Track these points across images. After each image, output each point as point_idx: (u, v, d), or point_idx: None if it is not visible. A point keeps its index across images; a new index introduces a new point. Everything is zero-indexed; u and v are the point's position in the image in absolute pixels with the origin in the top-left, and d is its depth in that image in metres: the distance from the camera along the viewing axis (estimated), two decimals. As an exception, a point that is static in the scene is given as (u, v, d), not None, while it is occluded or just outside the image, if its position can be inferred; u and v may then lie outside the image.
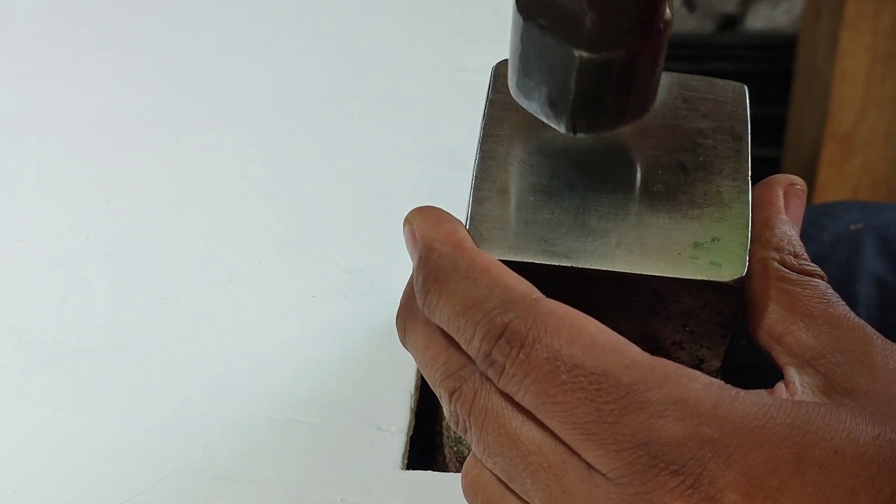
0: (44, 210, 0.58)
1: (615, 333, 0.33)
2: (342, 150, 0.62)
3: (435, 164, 0.60)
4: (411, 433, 0.48)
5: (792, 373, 0.36)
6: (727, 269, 0.35)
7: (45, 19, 0.70)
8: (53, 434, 0.47)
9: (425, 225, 0.36)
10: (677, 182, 0.38)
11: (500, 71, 0.41)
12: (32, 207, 0.58)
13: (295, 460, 0.46)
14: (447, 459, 0.49)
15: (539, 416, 0.33)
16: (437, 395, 0.36)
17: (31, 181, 0.60)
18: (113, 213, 0.58)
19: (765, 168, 1.42)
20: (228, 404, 0.48)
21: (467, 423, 0.35)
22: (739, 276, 0.35)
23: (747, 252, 0.36)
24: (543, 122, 0.36)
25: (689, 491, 0.31)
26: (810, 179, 1.31)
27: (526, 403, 0.33)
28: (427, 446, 0.51)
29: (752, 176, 0.38)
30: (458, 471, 0.47)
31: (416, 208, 0.37)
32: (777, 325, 0.36)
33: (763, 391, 0.34)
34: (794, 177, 0.39)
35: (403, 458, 0.47)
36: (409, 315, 0.37)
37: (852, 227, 0.62)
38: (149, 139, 0.62)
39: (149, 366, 0.50)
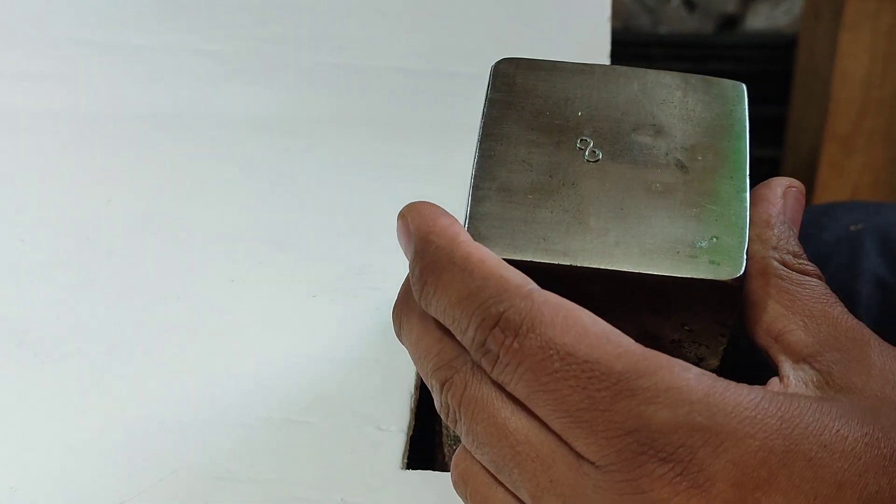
0: (44, 210, 0.58)
1: (609, 324, 0.33)
2: (342, 150, 0.62)
3: (435, 164, 0.60)
4: (411, 433, 0.48)
5: (787, 368, 0.36)
6: (726, 268, 0.35)
7: (46, 19, 0.70)
8: (53, 434, 0.47)
9: (421, 219, 0.36)
10: (677, 181, 0.38)
11: (499, 70, 0.41)
12: (32, 207, 0.58)
13: (295, 460, 0.46)
14: (447, 459, 0.49)
15: (530, 405, 0.33)
16: (429, 387, 0.36)
17: (31, 181, 0.60)
18: (113, 212, 0.58)
19: (765, 168, 1.42)
20: (229, 404, 0.48)
21: (457, 414, 0.35)
22: (738, 275, 0.35)
23: (746, 251, 0.36)
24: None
25: (678, 478, 0.31)
26: (810, 179, 1.31)
27: (518, 393, 0.34)
28: (427, 446, 0.51)
29: (751, 176, 0.38)
30: (458, 470, 0.47)
31: (411, 203, 0.37)
32: (776, 323, 0.36)
33: (757, 386, 0.34)
34: (792, 179, 0.40)
35: (403, 458, 0.47)
36: (405, 308, 0.37)
37: (852, 227, 0.62)
38: (149, 139, 0.62)
39: (149, 366, 0.50)
